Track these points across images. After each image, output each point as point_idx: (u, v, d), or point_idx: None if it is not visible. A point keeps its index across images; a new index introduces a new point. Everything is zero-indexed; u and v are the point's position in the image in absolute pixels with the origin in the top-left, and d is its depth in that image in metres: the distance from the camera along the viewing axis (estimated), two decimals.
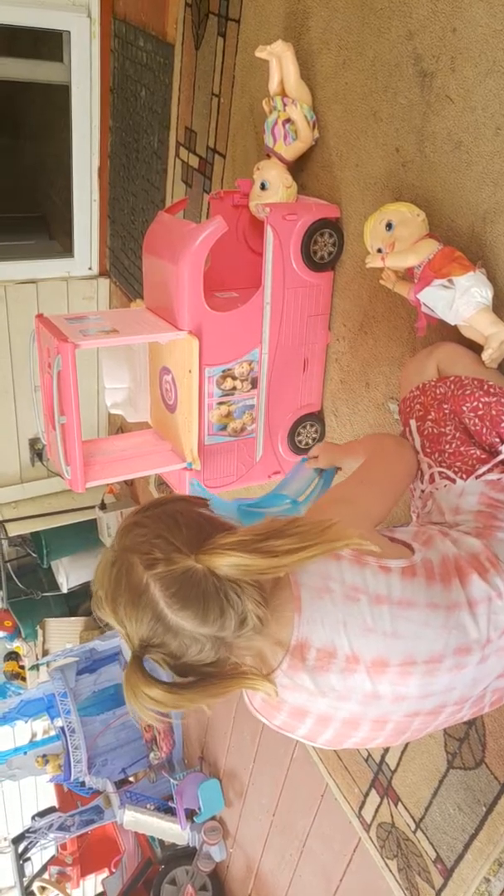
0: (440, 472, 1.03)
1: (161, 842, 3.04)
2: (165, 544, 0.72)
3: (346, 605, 0.77)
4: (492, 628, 0.82)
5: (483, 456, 1.00)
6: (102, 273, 2.96)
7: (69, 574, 3.44)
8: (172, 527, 0.74)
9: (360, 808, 1.75)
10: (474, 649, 0.81)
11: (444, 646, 0.79)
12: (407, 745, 1.53)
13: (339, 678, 0.78)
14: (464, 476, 1.00)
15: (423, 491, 1.07)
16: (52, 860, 3.29)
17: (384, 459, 1.01)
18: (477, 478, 0.99)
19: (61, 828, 3.00)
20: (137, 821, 2.87)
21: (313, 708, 0.80)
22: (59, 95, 2.60)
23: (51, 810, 3.21)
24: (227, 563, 0.70)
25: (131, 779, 3.14)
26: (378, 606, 0.77)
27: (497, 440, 1.01)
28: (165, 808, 2.96)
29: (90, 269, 2.94)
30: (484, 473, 0.99)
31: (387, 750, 1.61)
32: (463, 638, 0.80)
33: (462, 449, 1.02)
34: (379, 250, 1.19)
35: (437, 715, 0.84)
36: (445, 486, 1.01)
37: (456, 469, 1.01)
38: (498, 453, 1.00)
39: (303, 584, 0.78)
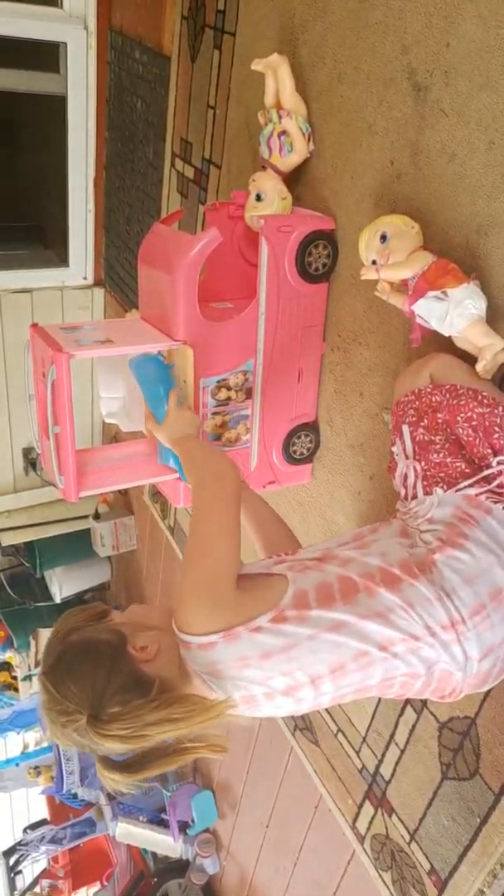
0: (423, 484, 1.04)
1: (154, 854, 3.01)
2: (67, 709, 0.86)
3: (241, 671, 0.87)
4: (395, 631, 0.89)
5: (467, 470, 1.02)
6: (97, 283, 2.96)
7: (62, 584, 3.42)
8: (62, 690, 0.87)
9: (355, 819, 1.75)
10: (373, 652, 0.89)
11: (342, 657, 0.89)
12: (402, 756, 1.53)
13: (267, 706, 0.92)
14: (444, 487, 1.01)
15: (405, 496, 1.08)
16: (44, 873, 3.26)
17: (222, 505, 0.97)
18: (457, 491, 1.00)
19: (53, 840, 2.98)
20: (130, 833, 2.85)
21: (260, 713, 0.94)
22: (55, 106, 2.62)
23: (42, 823, 3.19)
24: (110, 746, 0.84)
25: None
26: (267, 661, 0.87)
27: (489, 451, 1.02)
28: (158, 821, 2.93)
29: (85, 278, 2.94)
30: (464, 488, 1.00)
31: (381, 761, 1.60)
32: (354, 649, 0.89)
33: (448, 461, 1.03)
34: (374, 262, 1.20)
35: (367, 691, 0.95)
36: (426, 496, 1.03)
37: (438, 480, 1.03)
38: (481, 469, 1.01)
39: (200, 672, 0.90)
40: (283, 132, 1.42)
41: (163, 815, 2.92)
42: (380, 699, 1.58)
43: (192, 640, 0.87)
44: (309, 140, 1.44)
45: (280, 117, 1.42)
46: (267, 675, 0.87)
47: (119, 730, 0.82)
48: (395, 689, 0.96)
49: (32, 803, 3.98)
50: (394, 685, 0.94)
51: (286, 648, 0.87)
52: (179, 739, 0.88)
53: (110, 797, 2.95)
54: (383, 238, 1.17)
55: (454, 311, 1.08)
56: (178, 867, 2.84)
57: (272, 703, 0.91)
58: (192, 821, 2.75)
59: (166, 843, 2.84)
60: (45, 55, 2.55)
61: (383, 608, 0.89)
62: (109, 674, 0.87)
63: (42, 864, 3.28)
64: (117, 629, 0.94)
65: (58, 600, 3.43)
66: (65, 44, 2.47)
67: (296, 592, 0.90)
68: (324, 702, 0.93)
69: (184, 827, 2.79)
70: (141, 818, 2.90)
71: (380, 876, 1.68)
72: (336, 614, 0.88)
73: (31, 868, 3.29)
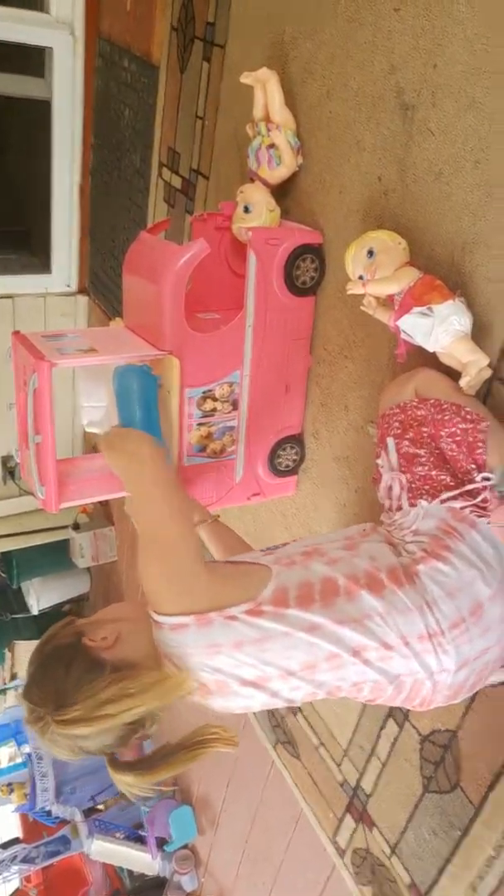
0: (408, 496, 1.05)
1: (130, 872, 2.96)
2: (38, 714, 0.87)
3: (211, 657, 0.87)
4: (368, 639, 0.90)
5: (451, 483, 1.03)
6: (81, 290, 2.95)
7: (40, 596, 3.38)
8: (31, 697, 0.90)
9: (335, 833, 1.73)
10: (344, 656, 0.90)
11: (314, 656, 0.89)
12: (383, 769, 1.53)
13: (241, 695, 0.91)
14: (429, 499, 1.02)
15: (389, 508, 1.09)
16: (16, 893, 3.18)
17: (153, 488, 0.97)
18: (442, 502, 1.01)
19: (25, 860, 2.91)
20: (106, 851, 2.80)
21: (235, 706, 0.93)
22: (41, 110, 2.61)
23: (15, 841, 3.11)
24: (76, 733, 0.85)
25: (101, 806, 3.06)
26: (238, 650, 0.87)
27: (473, 466, 1.03)
28: (135, 837, 2.89)
29: (69, 285, 2.92)
30: (448, 500, 1.01)
31: (362, 774, 1.60)
32: (326, 650, 0.89)
33: (433, 473, 1.04)
34: (360, 277, 1.20)
35: (339, 691, 0.95)
36: (411, 508, 1.04)
37: (423, 492, 1.03)
38: (464, 483, 1.02)
39: (172, 655, 0.89)
40: (272, 145, 1.43)
41: (140, 832, 2.88)
42: (362, 712, 1.57)
43: (163, 621, 0.87)
44: (297, 154, 1.45)
45: (269, 130, 1.43)
46: (237, 664, 0.88)
47: (76, 711, 0.84)
48: (366, 694, 0.97)
49: (4, 821, 3.89)
50: (363, 689, 0.95)
51: (259, 640, 0.87)
52: (186, 738, 0.89)
53: (86, 814, 2.90)
54: (370, 253, 1.18)
55: (439, 328, 1.09)
56: (155, 885, 2.80)
57: (245, 693, 0.90)
58: (171, 837, 2.71)
59: (143, 861, 2.79)
60: (31, 59, 2.54)
61: (360, 614, 0.90)
62: (68, 668, 0.89)
63: (14, 884, 3.20)
64: (77, 629, 0.96)
65: (35, 612, 3.38)
66: (51, 49, 2.46)
67: (277, 588, 0.90)
68: (296, 697, 0.93)
69: (161, 843, 2.75)
70: (118, 835, 2.85)
71: (360, 891, 1.67)
72: (312, 616, 0.89)
73: (3, 888, 3.21)
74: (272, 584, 0.91)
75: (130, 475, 1.00)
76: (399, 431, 1.09)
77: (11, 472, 3.09)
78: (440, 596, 0.92)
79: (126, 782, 0.87)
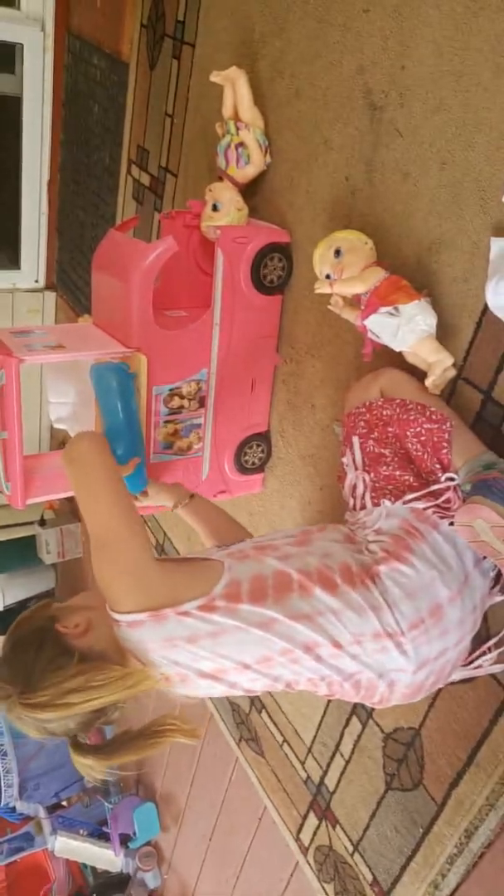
0: (371, 495, 1.06)
1: (93, 869, 2.95)
2: (6, 692, 0.89)
3: (169, 651, 0.89)
4: (320, 635, 0.91)
5: (415, 484, 1.04)
6: (49, 286, 2.91)
7: (5, 591, 3.33)
8: (1, 674, 0.91)
9: (299, 830, 1.74)
10: (297, 651, 0.91)
11: (269, 651, 0.90)
12: (346, 767, 1.54)
13: (202, 686, 0.92)
14: (392, 499, 1.03)
15: (353, 507, 1.10)
16: None
17: (96, 485, 0.99)
18: (404, 503, 1.02)
19: None
20: (69, 847, 2.78)
21: (197, 694, 0.95)
22: (9, 106, 2.57)
23: None
24: (40, 717, 0.86)
25: (64, 803, 3.04)
26: (194, 644, 0.89)
27: (437, 466, 1.04)
28: (99, 834, 2.87)
29: (37, 281, 2.89)
30: (411, 500, 1.02)
31: (326, 772, 1.61)
32: (279, 646, 0.90)
33: (397, 473, 1.05)
34: (328, 276, 1.21)
35: (296, 685, 0.96)
36: (374, 507, 1.05)
37: (387, 492, 1.04)
38: (427, 483, 1.03)
39: (132, 650, 0.91)
40: (241, 144, 1.43)
41: (104, 829, 2.86)
42: (326, 710, 1.58)
43: (120, 619, 0.89)
44: (266, 153, 1.46)
45: (238, 129, 1.43)
46: (195, 658, 0.89)
47: (42, 697, 0.85)
48: (324, 690, 0.97)
49: None
50: (320, 685, 0.96)
51: (213, 634, 0.89)
52: (147, 726, 0.90)
53: (50, 810, 2.87)
54: (337, 253, 1.19)
55: (405, 327, 1.10)
56: (119, 882, 2.79)
57: (204, 684, 0.92)
58: (134, 834, 2.70)
59: (106, 858, 2.78)
60: (2, 55, 2.50)
61: (313, 610, 0.91)
62: (37, 651, 0.91)
63: None
64: (50, 613, 0.97)
65: (0, 608, 3.34)
66: (21, 45, 2.43)
67: (229, 582, 0.91)
68: (256, 688, 0.95)
69: (125, 840, 2.74)
70: (81, 832, 2.84)
71: (322, 888, 1.68)
72: (266, 611, 0.90)
73: None
74: (225, 579, 0.92)
75: (75, 478, 1.01)
76: (364, 430, 1.09)
77: None
78: (400, 597, 0.93)
79: (86, 765, 0.89)
